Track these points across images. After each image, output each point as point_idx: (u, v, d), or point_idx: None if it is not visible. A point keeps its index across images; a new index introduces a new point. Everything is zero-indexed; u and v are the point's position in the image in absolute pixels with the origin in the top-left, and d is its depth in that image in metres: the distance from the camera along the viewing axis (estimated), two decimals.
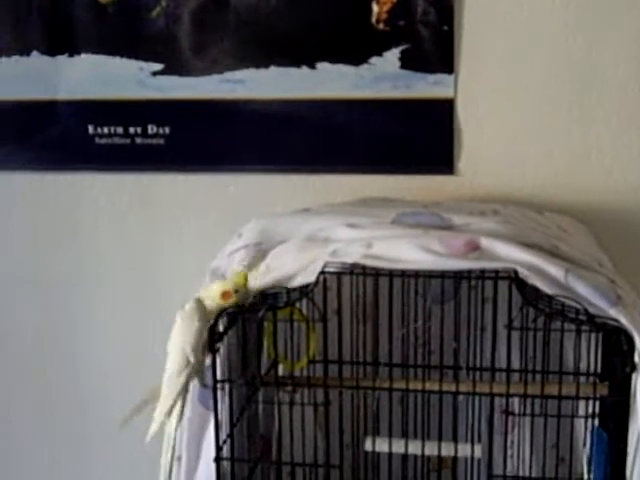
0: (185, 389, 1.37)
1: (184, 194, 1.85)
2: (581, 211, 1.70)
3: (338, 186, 1.77)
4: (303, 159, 1.79)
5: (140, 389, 1.88)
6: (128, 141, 1.82)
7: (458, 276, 1.36)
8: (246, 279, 1.39)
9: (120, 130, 1.81)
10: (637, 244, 1.71)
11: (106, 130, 1.82)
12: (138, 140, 1.81)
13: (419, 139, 1.76)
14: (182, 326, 1.36)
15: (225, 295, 1.36)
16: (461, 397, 1.52)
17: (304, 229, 1.48)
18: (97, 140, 1.83)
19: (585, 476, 1.52)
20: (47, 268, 1.94)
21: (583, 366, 1.54)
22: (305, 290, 1.36)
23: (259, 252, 1.49)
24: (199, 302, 1.36)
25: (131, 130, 1.81)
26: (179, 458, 1.54)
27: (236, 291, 1.37)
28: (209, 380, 1.39)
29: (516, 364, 1.54)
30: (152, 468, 1.46)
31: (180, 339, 1.36)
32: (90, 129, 1.83)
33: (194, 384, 1.48)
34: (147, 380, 1.86)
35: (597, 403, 1.51)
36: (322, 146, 1.78)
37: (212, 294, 1.37)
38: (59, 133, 1.85)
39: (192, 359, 1.35)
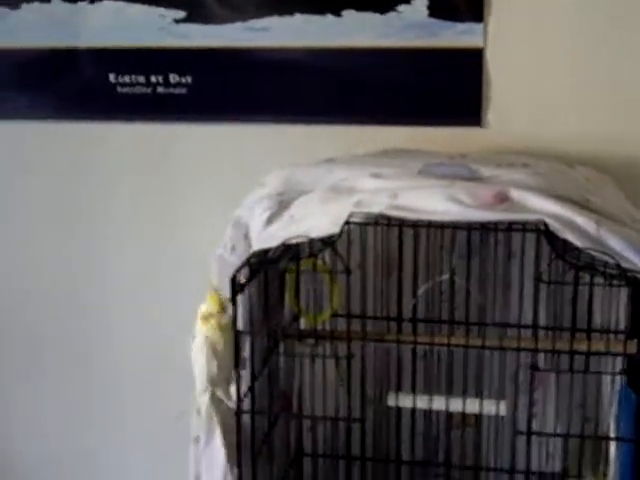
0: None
1: (206, 145, 1.81)
2: (613, 165, 1.65)
3: (362, 137, 1.73)
4: (326, 109, 1.75)
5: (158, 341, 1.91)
6: (150, 90, 1.78)
7: (485, 228, 1.33)
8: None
9: (142, 79, 1.78)
10: None
11: (127, 79, 1.79)
12: (160, 89, 1.78)
13: (446, 90, 1.72)
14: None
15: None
16: (487, 353, 1.50)
17: (328, 179, 1.45)
18: (119, 89, 1.80)
19: (612, 435, 1.49)
20: (67, 217, 1.92)
21: (612, 323, 1.51)
22: (329, 241, 1.33)
23: (282, 202, 1.46)
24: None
25: (153, 79, 1.78)
26: (199, 411, 1.52)
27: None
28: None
29: (543, 320, 1.51)
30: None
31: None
32: (111, 78, 1.80)
33: None
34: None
35: (625, 360, 1.49)
36: (346, 96, 1.75)
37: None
38: (80, 82, 1.82)
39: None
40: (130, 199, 1.89)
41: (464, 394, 1.51)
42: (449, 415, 1.58)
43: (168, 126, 1.81)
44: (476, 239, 1.53)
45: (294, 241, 1.33)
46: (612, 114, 1.68)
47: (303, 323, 1.54)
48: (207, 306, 1.39)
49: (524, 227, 1.31)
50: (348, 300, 1.42)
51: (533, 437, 1.53)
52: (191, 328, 1.55)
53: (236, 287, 1.35)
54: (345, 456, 1.60)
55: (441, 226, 1.34)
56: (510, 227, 1.32)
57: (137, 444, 2.01)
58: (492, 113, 1.71)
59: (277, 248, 1.35)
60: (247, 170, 1.70)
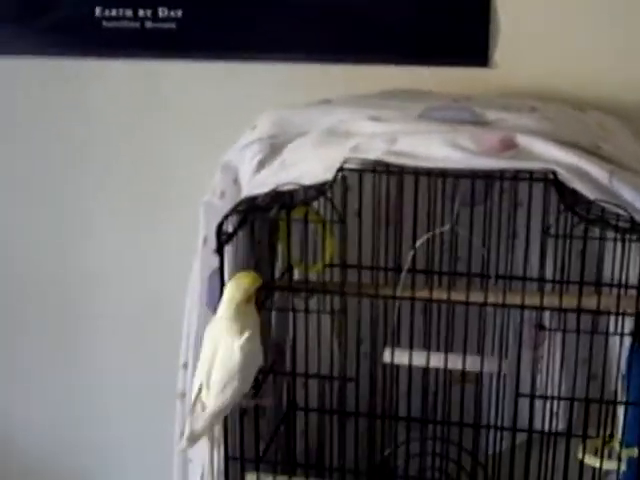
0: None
1: (196, 82, 1.73)
2: (626, 110, 1.57)
3: (360, 78, 1.64)
4: (324, 47, 1.66)
5: (145, 294, 1.85)
6: (137, 25, 1.69)
7: (490, 176, 1.25)
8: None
9: (129, 13, 1.69)
10: None
11: (114, 12, 1.69)
12: (148, 24, 1.69)
13: (451, 27, 1.62)
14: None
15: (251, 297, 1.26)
16: (489, 308, 1.42)
17: (323, 122, 1.38)
18: (104, 24, 1.70)
19: (619, 396, 1.42)
20: (52, 156, 1.84)
21: (623, 278, 1.43)
22: (322, 188, 1.25)
23: (274, 146, 1.39)
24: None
25: (140, 13, 1.68)
26: (185, 365, 1.46)
27: (257, 288, 1.27)
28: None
29: (550, 275, 1.44)
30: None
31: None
32: (97, 11, 1.70)
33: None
34: (152, 285, 1.82)
35: (634, 320, 1.41)
36: (346, 33, 1.65)
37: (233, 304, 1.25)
38: (64, 15, 1.72)
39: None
40: (115, 139, 1.81)
41: (464, 351, 1.44)
42: (449, 371, 1.51)
43: (156, 63, 1.73)
44: (480, 187, 1.45)
45: (285, 188, 1.25)
46: (630, 56, 1.59)
47: (297, 275, 1.46)
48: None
49: (531, 176, 1.23)
50: (343, 251, 1.35)
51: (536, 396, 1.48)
52: (178, 280, 1.50)
53: (223, 236, 1.27)
54: (339, 411, 1.55)
55: (442, 174, 1.26)
56: (517, 176, 1.24)
57: (121, 407, 1.97)
58: (499, 52, 1.61)
59: (267, 195, 1.27)
60: (239, 110, 1.63)
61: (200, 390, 1.26)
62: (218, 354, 1.25)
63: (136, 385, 1.92)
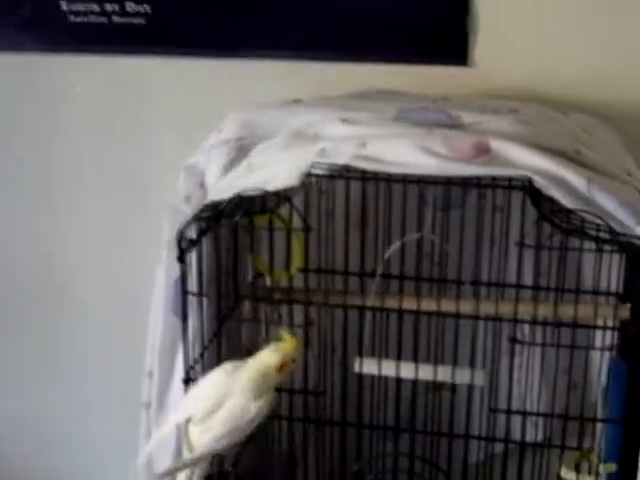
0: None
1: (165, 80, 1.68)
2: (611, 113, 1.52)
3: (334, 76, 1.60)
4: (295, 45, 1.61)
5: (118, 292, 1.80)
6: (105, 20, 1.64)
7: (465, 183, 1.21)
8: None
9: (96, 7, 1.64)
10: None
11: (81, 7, 1.64)
12: (116, 19, 1.64)
13: (429, 24, 1.57)
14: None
15: (284, 367, 1.21)
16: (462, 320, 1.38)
17: (292, 123, 1.33)
18: (71, 18, 1.65)
19: (599, 410, 1.38)
20: (21, 153, 1.80)
21: (602, 290, 1.39)
22: (286, 194, 1.20)
23: (242, 148, 1.34)
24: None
25: (108, 7, 1.63)
26: (150, 374, 1.42)
27: (293, 360, 1.22)
28: None
29: (528, 282, 1.40)
30: None
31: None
32: (63, 5, 1.65)
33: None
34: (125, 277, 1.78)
35: (616, 333, 1.37)
36: (318, 30, 1.60)
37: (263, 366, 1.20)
38: (29, 10, 1.67)
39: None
40: (83, 134, 1.76)
41: (440, 360, 1.40)
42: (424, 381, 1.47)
43: (124, 60, 1.68)
44: (456, 192, 1.40)
45: (248, 193, 1.20)
46: (613, 56, 1.55)
47: (268, 282, 1.42)
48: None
49: (510, 183, 1.18)
50: (306, 259, 1.30)
51: (514, 403, 1.43)
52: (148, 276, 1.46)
53: (184, 243, 1.22)
54: (314, 421, 1.50)
55: (418, 181, 1.20)
56: (494, 182, 1.19)
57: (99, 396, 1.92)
58: (479, 51, 1.57)
59: (230, 201, 1.22)
60: (208, 109, 1.59)
61: (187, 422, 1.21)
62: (229, 403, 1.20)
63: (104, 392, 1.89)
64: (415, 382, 1.42)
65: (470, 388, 1.45)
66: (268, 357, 1.21)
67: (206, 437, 1.20)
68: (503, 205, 1.39)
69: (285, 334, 1.22)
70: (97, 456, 1.95)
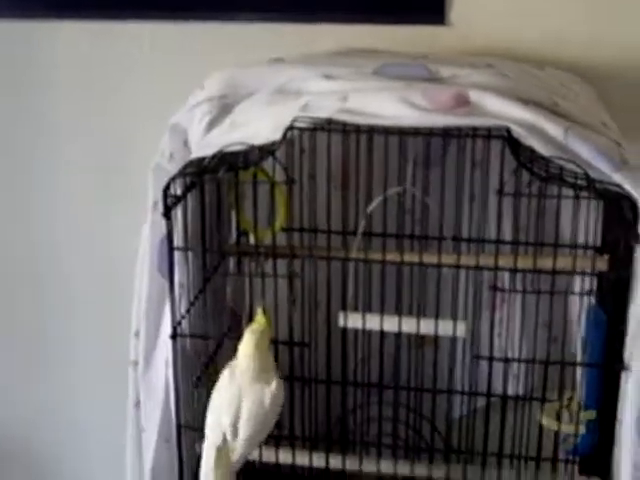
0: None
1: (148, 43, 1.68)
2: (586, 68, 1.54)
3: (314, 37, 1.60)
4: (278, 6, 1.61)
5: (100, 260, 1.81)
6: None
7: (446, 134, 1.22)
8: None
9: None
10: None
11: None
12: None
13: None
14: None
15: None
16: (445, 270, 1.40)
17: (275, 81, 1.35)
18: None
19: (579, 358, 1.40)
20: (1, 120, 1.80)
21: (581, 239, 1.42)
22: (270, 148, 1.21)
23: (224, 106, 1.35)
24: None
25: None
26: (137, 334, 1.43)
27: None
28: None
29: (508, 236, 1.41)
30: None
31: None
32: None
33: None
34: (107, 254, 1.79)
35: (594, 279, 1.40)
36: None
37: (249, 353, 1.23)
38: None
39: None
40: (65, 101, 1.76)
41: (423, 314, 1.42)
42: (409, 335, 1.48)
43: (107, 24, 1.68)
44: (437, 147, 1.42)
45: (232, 149, 1.22)
46: (592, 14, 1.55)
47: (252, 239, 1.43)
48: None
49: (489, 133, 1.19)
50: (290, 213, 1.32)
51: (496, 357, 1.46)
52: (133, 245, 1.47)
53: (170, 199, 1.24)
54: (298, 378, 1.52)
55: (399, 132, 1.22)
56: (474, 132, 1.20)
57: (75, 375, 1.94)
58: (456, 10, 1.57)
59: (214, 156, 1.24)
60: (192, 71, 1.57)
61: (223, 443, 1.24)
62: (245, 405, 1.23)
63: (91, 352, 1.90)
64: (399, 337, 1.44)
65: (453, 342, 1.47)
66: (247, 343, 1.23)
67: (240, 447, 1.23)
68: (482, 160, 1.41)
69: (258, 314, 1.25)
70: (75, 422, 1.97)
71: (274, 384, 1.23)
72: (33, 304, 1.91)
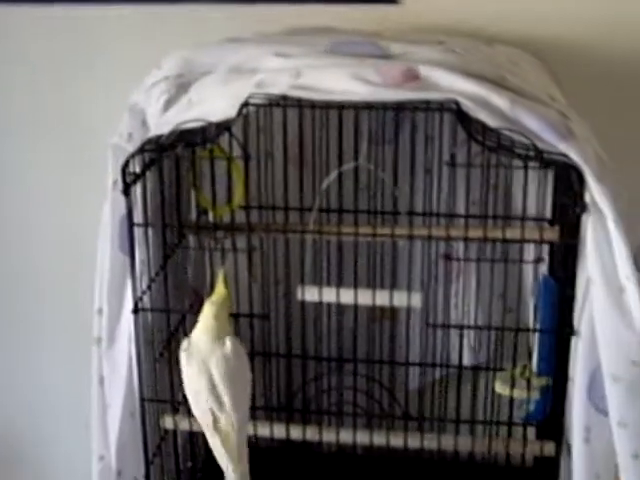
0: None
1: (108, 28, 1.69)
2: (535, 44, 1.56)
3: (268, 17, 1.61)
4: None
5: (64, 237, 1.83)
6: None
7: (401, 108, 1.25)
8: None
9: None
10: (594, 79, 1.58)
11: None
12: None
13: None
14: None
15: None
16: (401, 244, 1.43)
17: (230, 59, 1.36)
18: None
19: (531, 325, 1.44)
20: None
21: (534, 210, 1.45)
22: (226, 124, 1.24)
23: (181, 85, 1.37)
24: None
25: None
26: (100, 311, 1.44)
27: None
28: None
29: (463, 208, 1.44)
30: None
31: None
32: None
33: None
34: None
35: (546, 249, 1.43)
36: None
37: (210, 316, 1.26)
38: None
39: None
40: (28, 83, 1.77)
41: (380, 286, 1.46)
42: (368, 308, 1.52)
43: (62, 8, 1.68)
44: (390, 124, 1.45)
45: (188, 126, 1.24)
46: None
47: (211, 217, 1.45)
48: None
49: (442, 107, 1.22)
50: (248, 190, 1.34)
51: (453, 330, 1.49)
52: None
53: (129, 176, 1.26)
54: (260, 353, 1.56)
55: (354, 107, 1.25)
56: (427, 106, 1.22)
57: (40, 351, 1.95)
58: None
59: (171, 133, 1.26)
60: (151, 53, 1.58)
61: (215, 419, 1.28)
62: (214, 372, 1.26)
63: (56, 329, 1.91)
64: (356, 312, 1.48)
65: (410, 315, 1.50)
66: (207, 314, 1.26)
67: (233, 418, 1.28)
68: (434, 134, 1.44)
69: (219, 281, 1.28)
70: (40, 399, 1.98)
71: (228, 341, 1.25)
72: None
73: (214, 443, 1.29)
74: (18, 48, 1.74)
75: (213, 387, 1.26)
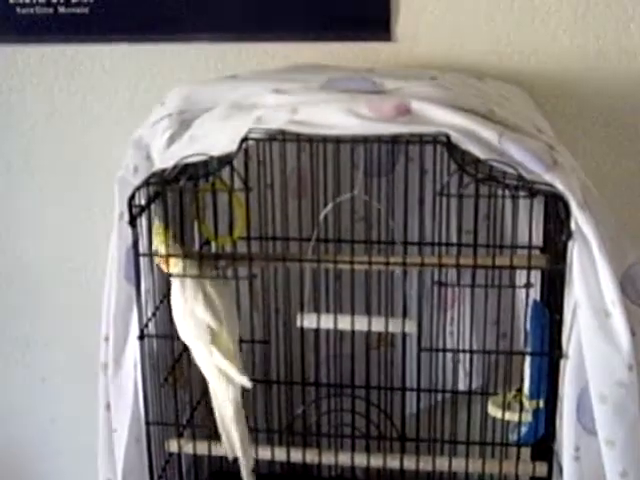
0: None
1: (111, 65, 1.74)
2: (524, 78, 1.62)
3: (268, 54, 1.68)
4: (233, 26, 1.68)
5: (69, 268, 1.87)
6: (51, 10, 1.70)
7: (395, 141, 1.29)
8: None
9: None
10: (582, 112, 1.64)
11: None
12: (61, 9, 1.70)
13: (353, 2, 1.65)
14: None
15: None
16: (397, 272, 1.48)
17: (230, 96, 1.41)
18: (18, 10, 1.71)
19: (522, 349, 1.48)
20: None
21: (525, 239, 1.48)
22: (227, 159, 1.29)
23: (183, 121, 1.42)
24: None
25: None
26: (107, 338, 1.49)
27: None
28: None
29: (454, 238, 1.49)
30: None
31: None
32: None
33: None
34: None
35: (538, 275, 1.48)
36: (252, 11, 1.67)
37: None
38: None
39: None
40: (33, 122, 1.81)
41: (377, 313, 1.50)
42: (366, 335, 1.56)
43: (71, 47, 1.74)
44: (386, 157, 1.51)
45: (191, 160, 1.30)
46: (526, 28, 1.63)
47: (214, 248, 1.51)
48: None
49: (434, 140, 1.27)
50: (248, 222, 1.39)
51: (448, 356, 1.53)
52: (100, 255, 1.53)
53: (135, 208, 1.32)
54: (260, 381, 1.60)
55: (351, 141, 1.30)
56: (421, 140, 1.27)
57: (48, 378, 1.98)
58: (402, 26, 1.64)
59: (174, 167, 1.31)
60: (154, 90, 1.65)
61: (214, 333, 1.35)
62: (209, 289, 1.36)
63: (63, 356, 1.95)
64: (353, 339, 1.52)
65: (404, 340, 1.54)
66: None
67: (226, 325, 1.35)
68: (428, 167, 1.49)
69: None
70: (48, 425, 2.01)
71: (200, 300, 1.35)
72: (7, 310, 1.95)
73: (216, 359, 1.34)
74: (25, 86, 1.79)
75: (210, 302, 1.33)
